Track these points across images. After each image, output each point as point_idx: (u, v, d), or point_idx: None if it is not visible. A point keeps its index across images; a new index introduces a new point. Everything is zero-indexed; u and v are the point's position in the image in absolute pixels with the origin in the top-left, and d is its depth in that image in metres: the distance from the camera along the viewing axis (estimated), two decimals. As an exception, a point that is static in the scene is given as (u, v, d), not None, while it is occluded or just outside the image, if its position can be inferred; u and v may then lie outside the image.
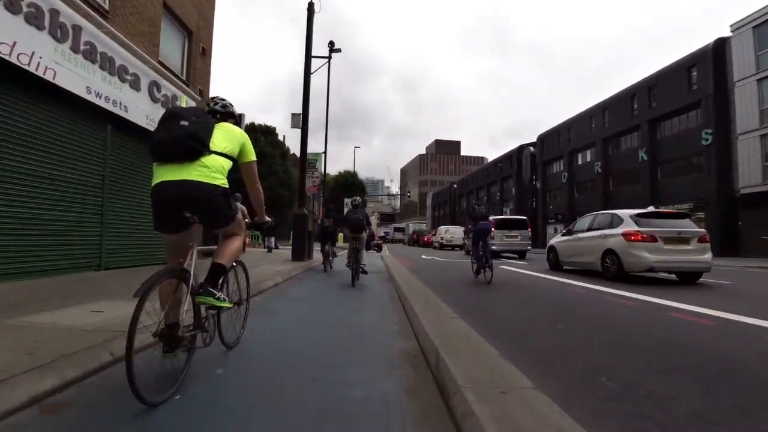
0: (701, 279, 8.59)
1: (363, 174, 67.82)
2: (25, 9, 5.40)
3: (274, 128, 43.32)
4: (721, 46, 25.01)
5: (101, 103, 6.88)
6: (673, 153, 28.22)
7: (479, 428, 1.66)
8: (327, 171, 21.25)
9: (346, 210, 34.58)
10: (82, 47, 6.40)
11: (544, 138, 44.69)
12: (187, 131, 2.17)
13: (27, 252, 5.80)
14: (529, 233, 18.53)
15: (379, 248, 20.91)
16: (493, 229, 17.86)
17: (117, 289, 5.10)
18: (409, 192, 77.44)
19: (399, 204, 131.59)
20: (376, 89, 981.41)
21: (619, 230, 8.69)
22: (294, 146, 47.34)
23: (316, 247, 12.72)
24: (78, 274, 6.65)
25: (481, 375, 2.25)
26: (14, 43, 5.26)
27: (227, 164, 2.37)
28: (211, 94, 11.52)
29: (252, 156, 2.59)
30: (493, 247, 17.54)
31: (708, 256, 8.25)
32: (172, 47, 9.93)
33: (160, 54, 9.09)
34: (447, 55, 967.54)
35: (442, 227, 31.97)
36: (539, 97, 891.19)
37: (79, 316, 3.52)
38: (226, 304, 2.41)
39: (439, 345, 2.82)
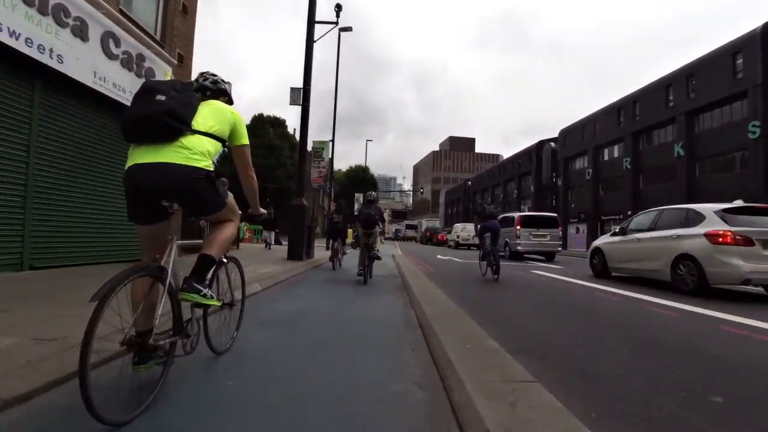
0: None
1: (375, 171, 65.58)
2: None
3: (284, 120, 41.99)
4: (772, 29, 22.58)
5: (22, 48, 5.16)
6: (713, 148, 25.79)
7: None
8: (338, 168, 19.53)
9: (357, 206, 33.23)
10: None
11: (566, 133, 42.30)
12: (163, 107, 1.90)
13: None
14: (560, 232, 16.44)
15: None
16: (518, 227, 16.11)
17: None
18: (422, 189, 75.12)
19: (411, 201, 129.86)
20: (390, 86, 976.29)
21: (700, 230, 6.72)
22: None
23: (319, 244, 11.49)
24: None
25: None
26: None
27: (214, 146, 2.10)
28: (198, 61, 9.85)
29: (244, 139, 2.31)
30: (519, 248, 15.65)
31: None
32: (142, -1, 8.22)
33: (122, 2, 7.36)
34: (462, 52, 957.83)
35: (458, 224, 29.93)
36: (555, 95, 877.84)
37: None
38: (214, 302, 2.16)
39: None
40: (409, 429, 1.79)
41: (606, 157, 36.43)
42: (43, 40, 5.47)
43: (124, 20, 7.22)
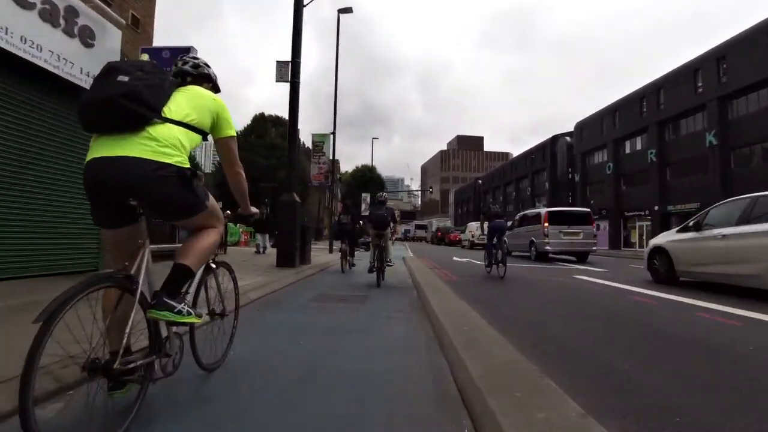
0: None
1: (382, 172, 63.01)
2: None
3: (286, 119, 40.43)
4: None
5: None
6: (750, 136, 23.61)
7: None
8: (344, 171, 17.73)
9: (363, 206, 31.31)
10: None
11: (582, 126, 40.19)
12: (124, 88, 1.56)
13: None
14: (594, 230, 14.43)
15: (368, 247, 12.65)
16: (546, 225, 14.18)
17: None
18: (431, 188, 73.06)
19: (420, 202, 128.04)
20: (397, 88, 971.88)
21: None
22: (306, 138, 44.45)
23: (321, 247, 10.71)
24: None
25: None
26: None
27: (190, 139, 1.75)
28: (160, 27, 8.18)
29: (230, 130, 1.96)
30: (547, 248, 13.73)
31: None
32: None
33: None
34: (466, 51, 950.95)
35: (472, 223, 27.98)
36: (565, 93, 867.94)
37: None
38: (192, 319, 1.77)
39: None
40: None
41: (628, 150, 34.29)
42: None
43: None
